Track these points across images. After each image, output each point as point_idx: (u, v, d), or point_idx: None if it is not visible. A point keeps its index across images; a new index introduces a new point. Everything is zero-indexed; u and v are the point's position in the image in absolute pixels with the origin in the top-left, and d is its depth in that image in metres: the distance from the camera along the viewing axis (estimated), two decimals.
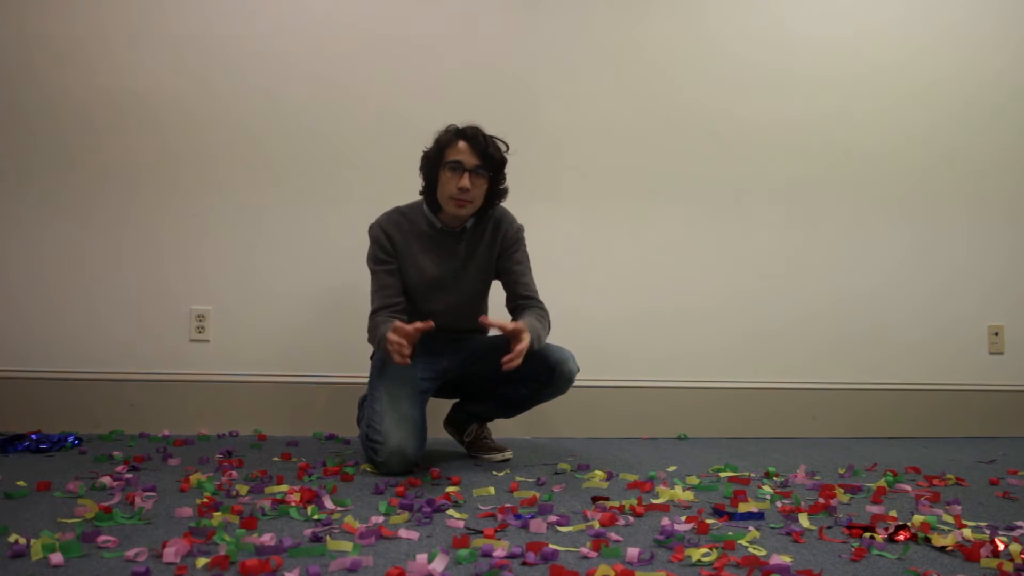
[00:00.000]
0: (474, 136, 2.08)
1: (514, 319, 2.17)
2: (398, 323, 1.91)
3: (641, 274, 2.94)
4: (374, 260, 2.17)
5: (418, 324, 1.90)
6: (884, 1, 3.15)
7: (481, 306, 2.30)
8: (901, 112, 3.14)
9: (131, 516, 1.48)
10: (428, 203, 2.18)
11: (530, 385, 2.16)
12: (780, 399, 2.97)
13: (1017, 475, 2.19)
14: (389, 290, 2.14)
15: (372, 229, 2.18)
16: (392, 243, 2.16)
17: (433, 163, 2.13)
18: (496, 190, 2.16)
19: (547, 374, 2.13)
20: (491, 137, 2.11)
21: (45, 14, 2.66)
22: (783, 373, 3.00)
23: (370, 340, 2.16)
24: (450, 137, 2.10)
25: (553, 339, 2.19)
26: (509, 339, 1.92)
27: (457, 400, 2.39)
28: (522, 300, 2.20)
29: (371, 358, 2.29)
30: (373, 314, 2.14)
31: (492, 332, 2.34)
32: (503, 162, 2.13)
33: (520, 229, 2.24)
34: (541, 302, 2.21)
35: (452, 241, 2.18)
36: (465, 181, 2.05)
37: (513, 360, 1.86)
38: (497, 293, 2.28)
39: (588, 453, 2.44)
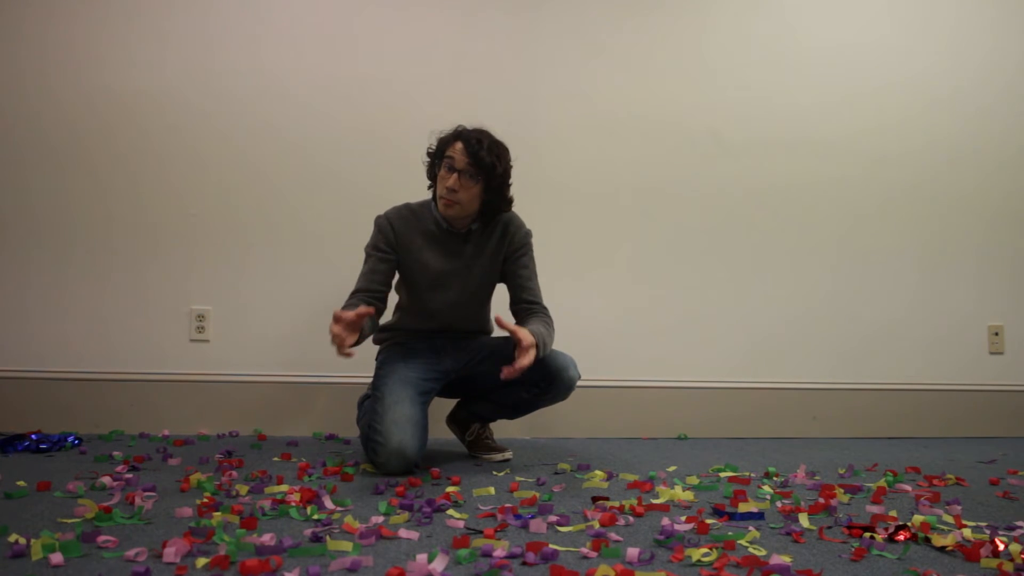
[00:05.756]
0: (468, 138, 2.05)
1: (518, 323, 2.16)
2: (338, 311, 1.83)
3: (641, 275, 2.94)
4: (372, 246, 2.17)
5: (360, 309, 1.84)
6: (891, 12, 3.15)
7: (484, 307, 2.29)
8: (902, 115, 3.14)
9: (131, 516, 1.48)
10: (435, 201, 2.18)
11: (531, 390, 2.16)
12: (780, 399, 2.97)
13: (1017, 475, 2.19)
14: (375, 275, 2.13)
15: (379, 219, 2.18)
16: (396, 235, 2.15)
17: (434, 161, 2.14)
18: (495, 198, 2.12)
19: (547, 380, 2.13)
20: (493, 143, 2.07)
21: (45, 17, 2.66)
22: (783, 373, 3.00)
23: None
24: (450, 136, 2.10)
25: (555, 340, 2.18)
26: (515, 346, 1.91)
27: (461, 399, 2.39)
28: (526, 305, 2.19)
29: (375, 358, 2.29)
30: (352, 295, 2.12)
31: (497, 332, 2.34)
32: (493, 167, 2.05)
33: (528, 234, 2.23)
34: (545, 308, 2.20)
35: (458, 241, 2.18)
36: (452, 181, 2.05)
37: (512, 373, 1.86)
38: (501, 296, 2.28)
39: (588, 453, 2.44)
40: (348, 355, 1.84)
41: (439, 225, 2.16)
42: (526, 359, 1.87)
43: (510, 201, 2.17)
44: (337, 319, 1.82)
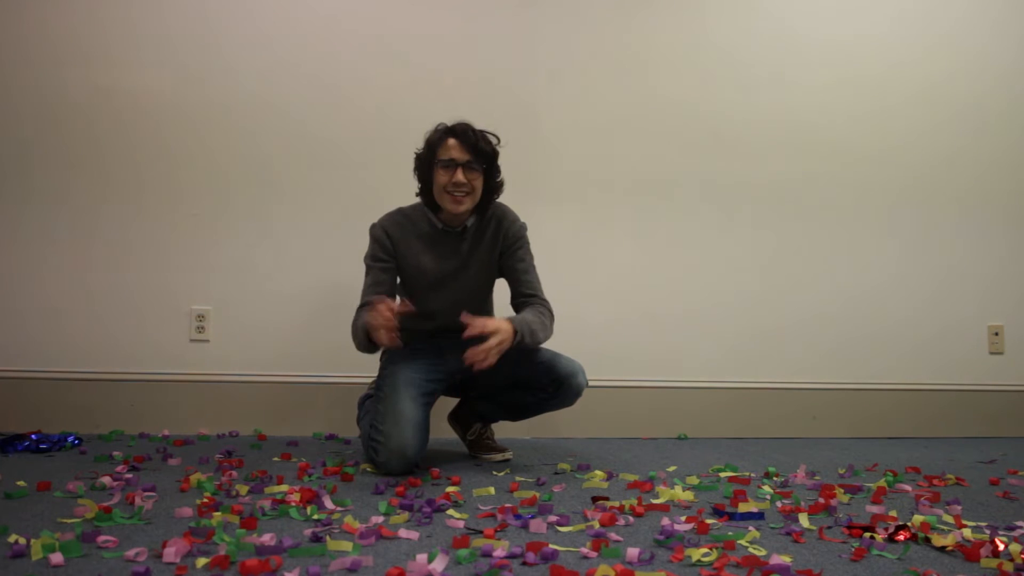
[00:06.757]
0: (463, 132, 2.08)
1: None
2: (378, 305, 1.88)
3: (641, 275, 2.94)
4: (371, 257, 2.17)
5: (398, 307, 1.90)
6: (887, 5, 3.15)
7: (486, 304, 2.30)
8: (901, 113, 3.14)
9: (131, 516, 1.48)
10: (426, 203, 2.18)
11: (537, 394, 2.17)
12: (780, 399, 2.97)
13: (1017, 475, 2.19)
14: (380, 287, 2.14)
15: (373, 228, 2.18)
16: (392, 242, 2.16)
17: (426, 163, 2.13)
18: (492, 184, 2.16)
19: (555, 386, 2.13)
20: (481, 132, 2.11)
21: (45, 16, 2.66)
22: (783, 373, 3.00)
23: (352, 331, 2.10)
24: (439, 136, 2.10)
25: (554, 340, 2.18)
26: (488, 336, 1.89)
27: (464, 397, 2.38)
28: (525, 298, 2.19)
29: (379, 358, 2.28)
30: (359, 309, 2.12)
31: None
32: (495, 154, 2.13)
33: (523, 227, 2.23)
34: (545, 300, 2.19)
35: (454, 240, 2.18)
36: (459, 176, 2.06)
37: (476, 357, 1.85)
38: (502, 292, 2.28)
39: (588, 453, 2.44)
40: (395, 341, 1.88)
41: (434, 226, 2.17)
42: (486, 344, 1.86)
43: (502, 183, 2.19)
44: (379, 310, 1.87)
